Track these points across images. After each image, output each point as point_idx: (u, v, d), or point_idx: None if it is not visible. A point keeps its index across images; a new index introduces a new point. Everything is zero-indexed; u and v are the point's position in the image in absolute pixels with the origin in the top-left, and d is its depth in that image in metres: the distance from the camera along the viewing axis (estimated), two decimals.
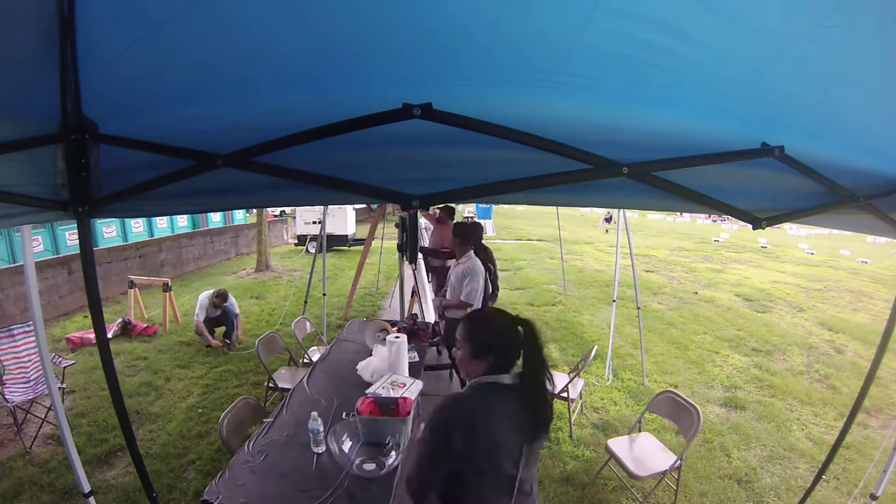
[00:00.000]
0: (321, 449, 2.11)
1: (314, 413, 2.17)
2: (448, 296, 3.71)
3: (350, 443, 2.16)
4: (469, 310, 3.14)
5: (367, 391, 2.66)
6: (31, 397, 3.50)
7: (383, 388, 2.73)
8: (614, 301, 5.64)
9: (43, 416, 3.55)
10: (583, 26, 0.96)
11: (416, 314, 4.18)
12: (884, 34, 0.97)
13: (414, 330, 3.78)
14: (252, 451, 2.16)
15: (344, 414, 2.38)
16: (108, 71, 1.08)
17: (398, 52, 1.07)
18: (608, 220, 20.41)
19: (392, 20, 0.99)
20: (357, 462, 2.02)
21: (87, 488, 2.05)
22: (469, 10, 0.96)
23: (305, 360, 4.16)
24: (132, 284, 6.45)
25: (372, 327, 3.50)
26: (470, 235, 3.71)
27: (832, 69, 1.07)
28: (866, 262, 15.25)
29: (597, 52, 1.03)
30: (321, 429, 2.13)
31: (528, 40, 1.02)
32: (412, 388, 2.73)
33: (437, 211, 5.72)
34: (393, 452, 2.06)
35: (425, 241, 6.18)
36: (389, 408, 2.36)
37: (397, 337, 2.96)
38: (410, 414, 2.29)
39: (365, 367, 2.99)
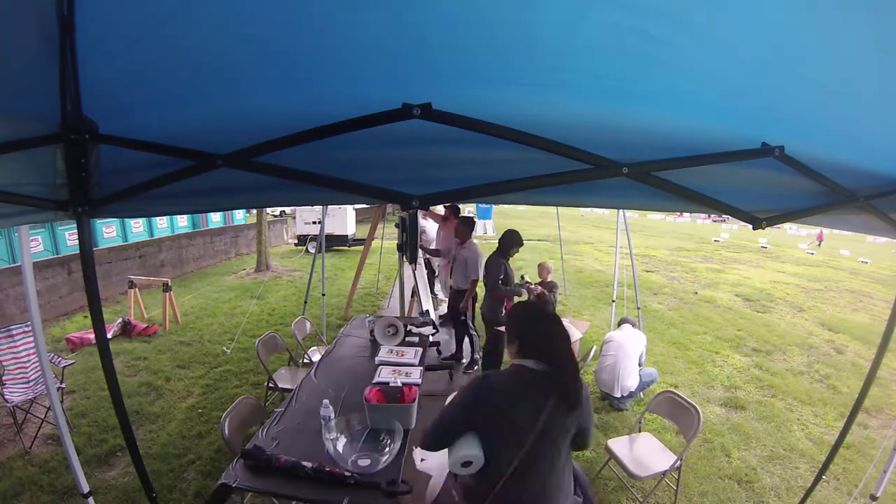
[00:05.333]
0: (333, 435, 2.11)
1: (325, 400, 2.20)
2: (453, 276, 4.81)
3: (345, 441, 2.16)
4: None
5: (376, 359, 3.10)
6: (30, 397, 3.50)
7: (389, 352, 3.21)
8: (614, 301, 5.66)
9: (43, 416, 3.55)
10: (581, 22, 0.96)
11: (427, 311, 4.21)
12: (884, 35, 0.96)
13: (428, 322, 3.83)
14: (265, 439, 2.19)
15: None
16: (108, 70, 1.08)
17: (398, 52, 1.07)
18: None
19: (391, 21, 0.99)
20: (353, 458, 2.02)
21: (85, 489, 2.04)
22: (468, 10, 0.96)
23: (305, 361, 4.16)
24: (132, 284, 6.45)
25: (381, 323, 3.57)
26: (471, 229, 4.68)
27: (833, 69, 1.07)
28: (866, 262, 15.25)
29: (595, 45, 1.03)
30: (332, 415, 2.14)
31: (527, 38, 1.02)
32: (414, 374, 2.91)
33: (445, 210, 5.95)
34: (387, 449, 2.06)
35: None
36: (396, 396, 2.42)
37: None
38: (416, 401, 2.35)
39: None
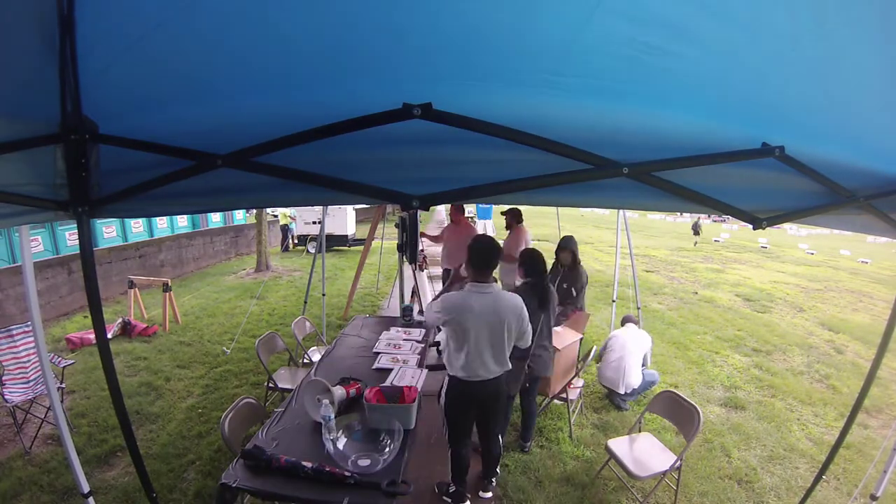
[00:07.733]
0: (334, 435, 2.11)
1: (326, 401, 2.17)
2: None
3: (345, 440, 2.15)
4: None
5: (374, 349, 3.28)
6: (30, 397, 3.50)
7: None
8: (614, 301, 5.66)
9: (43, 416, 3.55)
10: (583, 28, 0.96)
11: (410, 307, 4.18)
12: (884, 36, 0.97)
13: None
14: (265, 439, 2.19)
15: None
16: (108, 71, 1.08)
17: (398, 53, 1.07)
18: (696, 233, 19.79)
19: (394, 22, 0.99)
20: (353, 458, 2.02)
21: (86, 489, 2.04)
22: (470, 13, 0.96)
23: (305, 361, 4.16)
24: (132, 284, 6.45)
25: (311, 388, 2.44)
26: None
27: (833, 70, 1.08)
28: (866, 262, 15.26)
29: (597, 53, 1.03)
30: (332, 415, 2.13)
31: (529, 42, 1.03)
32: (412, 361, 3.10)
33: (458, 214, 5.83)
34: (387, 449, 2.05)
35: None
36: (395, 396, 2.42)
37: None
38: (416, 401, 2.35)
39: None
